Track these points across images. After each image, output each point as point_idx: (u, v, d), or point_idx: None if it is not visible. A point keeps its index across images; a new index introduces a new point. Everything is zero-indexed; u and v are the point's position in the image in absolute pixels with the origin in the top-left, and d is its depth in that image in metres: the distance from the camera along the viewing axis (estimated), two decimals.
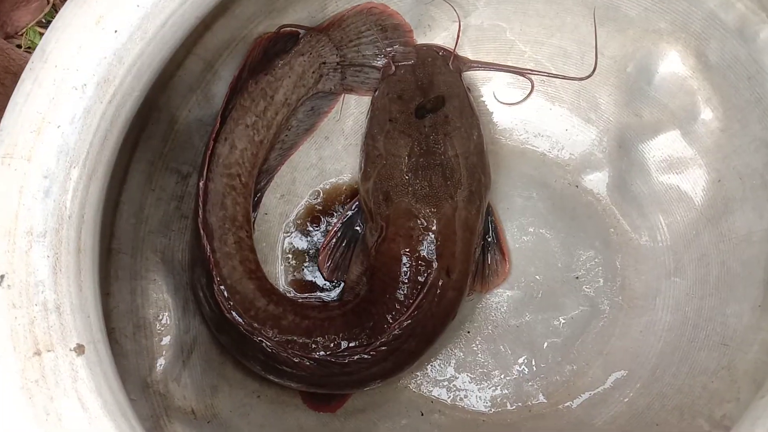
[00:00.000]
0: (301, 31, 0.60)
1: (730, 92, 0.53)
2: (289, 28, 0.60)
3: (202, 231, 0.55)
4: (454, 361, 0.63)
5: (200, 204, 0.55)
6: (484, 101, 0.67)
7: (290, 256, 0.66)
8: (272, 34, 0.59)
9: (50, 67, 0.36)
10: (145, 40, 0.37)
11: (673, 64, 0.56)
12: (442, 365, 0.63)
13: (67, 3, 0.37)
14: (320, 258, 0.64)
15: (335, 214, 0.66)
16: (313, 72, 0.62)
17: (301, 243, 0.66)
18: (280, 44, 0.60)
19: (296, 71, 0.61)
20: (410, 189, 0.58)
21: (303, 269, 0.66)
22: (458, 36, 0.62)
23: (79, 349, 0.33)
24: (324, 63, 0.62)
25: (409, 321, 0.55)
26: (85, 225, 0.36)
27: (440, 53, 0.63)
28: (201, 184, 0.55)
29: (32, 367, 0.32)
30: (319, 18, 0.61)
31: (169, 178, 0.58)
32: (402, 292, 0.56)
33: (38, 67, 0.36)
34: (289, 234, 0.66)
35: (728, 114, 0.53)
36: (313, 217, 0.67)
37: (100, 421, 0.32)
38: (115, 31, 0.36)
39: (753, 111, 0.51)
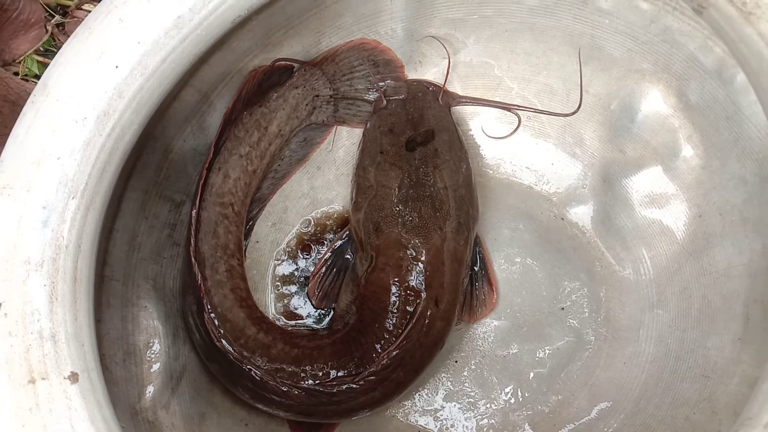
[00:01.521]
0: (296, 65, 0.62)
1: (709, 131, 0.55)
2: (283, 62, 0.61)
3: (193, 259, 0.55)
4: (441, 391, 0.63)
5: (192, 232, 0.56)
6: (472, 135, 0.68)
7: (280, 284, 0.66)
8: (267, 67, 0.60)
9: (52, 101, 0.37)
10: (145, 76, 0.39)
11: (655, 102, 0.58)
12: (429, 395, 0.63)
13: (70, 38, 0.38)
14: (310, 286, 0.64)
15: (326, 243, 0.67)
16: (307, 104, 0.63)
17: (291, 271, 0.67)
18: (275, 77, 0.61)
19: (290, 103, 0.62)
20: (400, 220, 0.59)
21: (293, 297, 0.67)
22: (448, 72, 0.64)
23: (73, 378, 0.33)
24: (317, 96, 0.64)
25: (398, 351, 0.55)
26: (82, 254, 0.37)
27: (430, 88, 0.65)
28: (194, 212, 0.56)
29: (26, 395, 0.32)
30: (313, 52, 0.62)
31: (162, 206, 0.59)
32: (391, 322, 0.56)
33: (40, 100, 0.37)
34: (279, 262, 0.67)
35: (708, 152, 0.55)
36: (303, 245, 0.68)
37: None
38: (116, 67, 0.38)
39: (732, 150, 0.53)
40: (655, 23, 0.52)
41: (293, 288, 0.67)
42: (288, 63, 0.62)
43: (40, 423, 0.32)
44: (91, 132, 0.37)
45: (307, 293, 0.66)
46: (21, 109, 0.52)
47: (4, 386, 0.32)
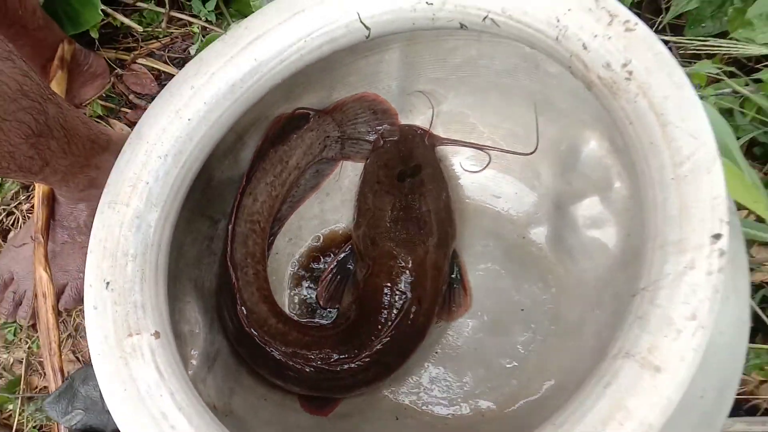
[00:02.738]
0: (312, 112, 0.71)
1: (640, 165, 0.65)
2: (302, 110, 0.71)
3: (229, 263, 0.66)
4: (425, 376, 0.72)
5: (229, 243, 0.67)
6: (453, 169, 0.76)
7: (294, 287, 0.77)
8: (289, 114, 0.70)
9: (143, 143, 0.52)
10: (208, 126, 0.53)
11: (593, 146, 0.67)
12: (414, 378, 0.72)
13: (156, 99, 0.53)
14: (319, 289, 0.74)
15: (332, 255, 0.77)
16: (320, 143, 0.73)
17: (303, 277, 0.77)
18: (295, 122, 0.71)
19: (306, 143, 0.72)
20: (392, 235, 0.69)
21: (305, 298, 0.76)
22: (432, 119, 0.73)
23: (156, 334, 0.47)
24: (328, 137, 0.73)
25: (388, 338, 0.65)
26: (161, 251, 0.51)
27: (418, 131, 0.74)
28: (230, 227, 0.67)
29: (127, 344, 0.46)
30: (325, 103, 0.72)
31: (203, 222, 0.70)
32: (383, 317, 0.66)
33: (135, 141, 0.52)
34: (294, 269, 0.77)
35: (632, 185, 0.65)
36: (314, 256, 0.78)
37: (169, 381, 0.46)
38: (189, 120, 0.52)
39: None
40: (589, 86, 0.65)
41: (305, 291, 0.77)
42: (306, 111, 0.71)
43: (135, 363, 0.46)
44: (170, 165, 0.52)
45: (316, 295, 0.75)
46: (98, 146, 0.66)
47: (112, 337, 0.46)
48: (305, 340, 0.68)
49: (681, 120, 0.39)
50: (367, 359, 0.66)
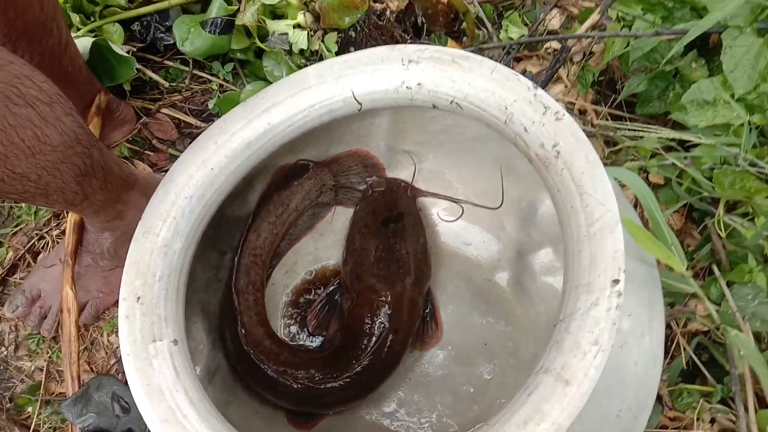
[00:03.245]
0: (311, 164, 0.80)
1: (565, 224, 0.69)
2: (303, 161, 0.80)
3: (233, 290, 0.76)
4: (397, 400, 0.78)
5: (234, 272, 0.76)
6: (431, 217, 0.85)
7: (287, 315, 0.85)
8: (292, 164, 0.79)
9: (174, 185, 0.63)
10: (227, 174, 0.64)
11: (547, 204, 0.75)
12: (389, 402, 0.79)
13: (186, 151, 0.65)
14: (309, 317, 0.82)
15: (322, 288, 0.85)
16: (317, 190, 0.82)
17: (296, 306, 0.85)
18: (297, 171, 0.80)
19: (305, 189, 0.80)
20: (375, 273, 0.76)
21: (296, 325, 0.84)
22: (414, 174, 0.82)
23: (175, 342, 0.58)
24: (324, 185, 0.82)
25: (366, 362, 0.73)
26: (182, 275, 0.62)
27: (402, 184, 0.82)
28: (236, 258, 0.77)
29: (151, 348, 0.56)
30: (323, 156, 0.81)
31: (212, 253, 0.80)
32: (363, 343, 0.73)
33: (168, 183, 0.63)
34: (288, 299, 0.86)
35: (565, 238, 0.72)
36: (306, 288, 0.86)
37: (184, 380, 0.56)
38: (212, 169, 0.64)
39: None
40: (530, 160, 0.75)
41: (296, 318, 0.84)
42: (306, 162, 0.80)
43: (158, 363, 0.56)
44: (194, 205, 0.63)
45: (306, 322, 0.83)
46: (127, 184, 0.77)
47: (139, 341, 0.57)
48: (295, 360, 0.75)
49: (594, 191, 0.51)
50: (348, 380, 0.74)
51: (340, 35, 0.91)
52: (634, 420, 0.61)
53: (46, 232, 0.88)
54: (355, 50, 0.94)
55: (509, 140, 0.58)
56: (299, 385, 0.74)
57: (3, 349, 0.81)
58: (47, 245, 0.88)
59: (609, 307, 0.47)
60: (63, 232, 0.88)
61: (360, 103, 0.63)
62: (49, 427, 0.79)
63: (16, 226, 0.89)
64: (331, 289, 0.84)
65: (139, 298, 0.57)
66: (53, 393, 0.82)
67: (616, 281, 0.48)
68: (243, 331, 0.76)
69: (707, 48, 0.87)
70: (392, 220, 0.81)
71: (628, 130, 0.83)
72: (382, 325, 0.75)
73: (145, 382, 0.54)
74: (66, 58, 0.77)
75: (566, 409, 0.46)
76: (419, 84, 0.60)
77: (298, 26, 0.89)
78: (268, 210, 0.79)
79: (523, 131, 0.55)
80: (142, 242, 0.60)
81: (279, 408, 0.78)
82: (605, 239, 0.49)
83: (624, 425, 0.60)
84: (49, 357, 0.83)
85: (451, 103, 0.59)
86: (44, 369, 0.82)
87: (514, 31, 1.01)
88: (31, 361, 0.83)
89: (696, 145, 0.84)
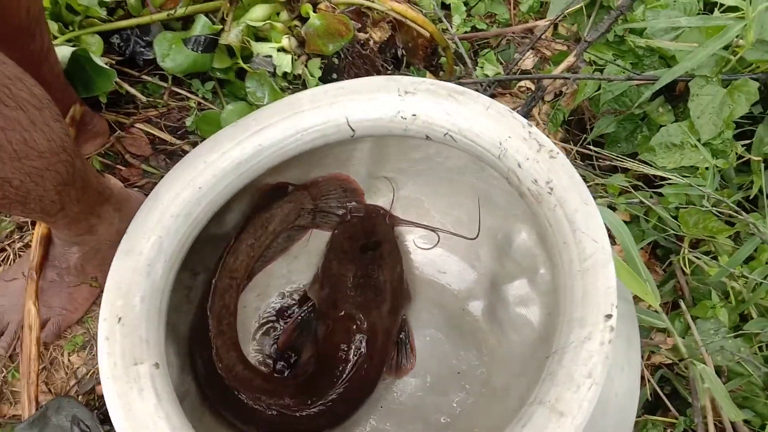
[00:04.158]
0: (291, 186, 0.80)
1: (556, 258, 0.79)
2: (282, 183, 0.79)
3: (209, 313, 0.74)
4: (369, 429, 0.77)
5: (211, 295, 0.74)
6: (407, 245, 0.86)
7: (258, 338, 0.84)
8: (273, 185, 0.78)
9: (159, 204, 0.62)
10: (215, 194, 0.63)
11: (523, 236, 0.77)
12: (360, 429, 0.78)
13: (174, 167, 0.64)
14: (281, 338, 0.81)
15: (295, 310, 0.84)
16: (295, 213, 0.81)
17: (266, 329, 0.84)
18: (276, 192, 0.79)
19: (284, 211, 0.79)
20: (351, 300, 0.77)
21: (265, 349, 0.83)
22: (392, 202, 0.83)
23: (156, 365, 0.56)
24: (303, 208, 0.81)
25: (341, 389, 0.72)
26: (164, 296, 0.60)
27: (381, 211, 0.83)
28: (214, 281, 0.75)
29: (133, 371, 0.54)
30: (303, 178, 0.81)
31: (183, 274, 0.73)
32: (338, 371, 0.73)
33: (152, 201, 0.62)
34: (259, 323, 0.84)
35: (555, 271, 0.79)
36: (277, 311, 0.85)
37: (166, 405, 0.54)
38: (199, 188, 0.63)
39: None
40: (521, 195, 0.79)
41: (268, 342, 0.83)
42: (285, 184, 0.80)
43: (138, 386, 0.54)
44: (180, 224, 0.62)
45: (277, 342, 0.82)
46: (102, 197, 0.75)
47: (120, 364, 0.55)
48: (268, 387, 0.74)
49: (586, 228, 0.53)
50: (322, 407, 0.73)
51: (323, 61, 0.92)
52: None
53: (8, 245, 0.84)
54: (338, 77, 0.96)
55: (501, 174, 0.60)
56: (272, 413, 0.73)
57: None
58: (8, 258, 0.84)
59: (602, 341, 0.49)
60: (26, 245, 0.84)
61: (353, 130, 0.63)
62: None
63: None
64: (305, 311, 0.83)
65: (120, 318, 0.56)
66: (5, 416, 0.78)
67: (609, 316, 0.49)
68: (215, 355, 0.74)
69: (673, 95, 0.92)
70: (370, 247, 0.82)
71: (602, 163, 0.86)
72: (358, 352, 0.75)
73: (127, 407, 0.52)
74: (46, 65, 0.75)
75: None
76: (414, 115, 0.61)
77: (282, 50, 0.89)
78: (248, 232, 0.79)
79: (516, 167, 0.56)
80: (125, 261, 0.58)
81: None
82: (597, 275, 0.51)
83: None
84: (3, 377, 0.78)
85: (445, 135, 0.60)
86: None
87: (489, 68, 1.04)
88: None
89: (661, 186, 0.88)
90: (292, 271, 0.88)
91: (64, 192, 0.63)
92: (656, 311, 0.75)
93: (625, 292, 0.64)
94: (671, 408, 0.83)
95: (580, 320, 0.50)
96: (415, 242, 0.88)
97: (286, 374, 0.83)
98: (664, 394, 0.85)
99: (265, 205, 0.80)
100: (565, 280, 0.53)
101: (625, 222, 0.95)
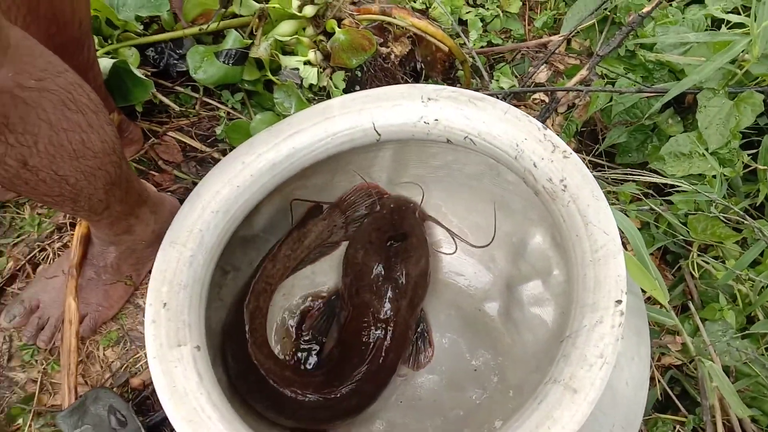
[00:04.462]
0: (325, 207, 0.87)
1: (569, 251, 0.79)
2: (318, 203, 0.86)
3: (246, 311, 0.78)
4: (388, 422, 0.81)
5: (249, 295, 0.79)
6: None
7: (284, 334, 0.87)
8: (311, 206, 0.85)
9: (200, 201, 0.66)
10: (251, 192, 0.68)
11: (538, 240, 0.81)
12: (380, 423, 0.81)
13: (214, 168, 0.69)
14: (307, 322, 0.85)
15: (319, 301, 0.87)
16: (328, 231, 0.87)
17: (292, 326, 0.87)
18: (313, 211, 0.87)
19: (319, 229, 0.86)
20: (373, 289, 0.80)
21: (292, 344, 0.86)
22: (422, 198, 0.86)
23: (198, 348, 0.60)
24: (335, 225, 0.87)
25: (366, 367, 0.76)
26: (204, 285, 0.65)
27: (411, 204, 0.86)
28: (252, 283, 0.80)
29: (177, 351, 0.59)
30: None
31: (216, 272, 0.80)
32: (360, 355, 0.77)
33: (194, 199, 0.67)
34: (283, 319, 0.88)
35: (568, 263, 0.80)
36: (301, 310, 0.89)
37: (206, 383, 0.58)
38: (237, 186, 0.68)
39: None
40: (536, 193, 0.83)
41: (293, 338, 0.86)
42: (320, 203, 0.86)
43: (182, 367, 0.58)
44: (219, 219, 0.66)
45: (303, 326, 0.85)
46: (141, 199, 0.80)
47: (165, 345, 0.59)
48: (297, 378, 0.79)
49: (598, 221, 0.57)
50: (351, 387, 0.76)
51: (347, 74, 0.97)
52: None
53: (48, 245, 0.89)
54: (361, 89, 1.01)
55: (518, 174, 0.64)
56: (306, 399, 0.76)
57: None
58: (48, 257, 0.89)
59: (613, 324, 0.53)
60: (65, 245, 0.89)
61: (379, 134, 0.68)
62: None
63: (18, 236, 0.90)
64: (332, 298, 0.87)
65: (165, 304, 0.60)
66: (45, 405, 0.82)
67: (619, 301, 0.53)
68: (251, 350, 0.78)
69: (682, 106, 0.97)
70: (396, 240, 0.84)
71: (614, 172, 0.90)
72: (376, 336, 0.79)
73: (171, 384, 0.56)
74: (91, 74, 0.81)
75: (575, 416, 0.51)
76: (436, 120, 0.66)
77: (308, 63, 0.94)
78: (287, 243, 0.84)
79: (532, 166, 0.61)
80: (170, 251, 0.63)
81: (275, 427, 0.79)
82: (608, 264, 0.55)
83: None
84: (44, 369, 0.83)
85: (465, 138, 0.65)
86: (38, 381, 0.82)
87: (505, 81, 1.09)
88: (24, 372, 0.83)
89: (670, 193, 0.92)
90: (316, 273, 0.92)
91: (110, 191, 0.68)
92: (665, 308, 0.78)
93: (634, 287, 0.68)
94: (681, 407, 0.86)
95: (592, 306, 0.54)
96: (435, 248, 0.91)
97: (311, 366, 0.86)
98: (674, 394, 0.87)
99: (304, 222, 0.86)
100: (578, 270, 0.57)
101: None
